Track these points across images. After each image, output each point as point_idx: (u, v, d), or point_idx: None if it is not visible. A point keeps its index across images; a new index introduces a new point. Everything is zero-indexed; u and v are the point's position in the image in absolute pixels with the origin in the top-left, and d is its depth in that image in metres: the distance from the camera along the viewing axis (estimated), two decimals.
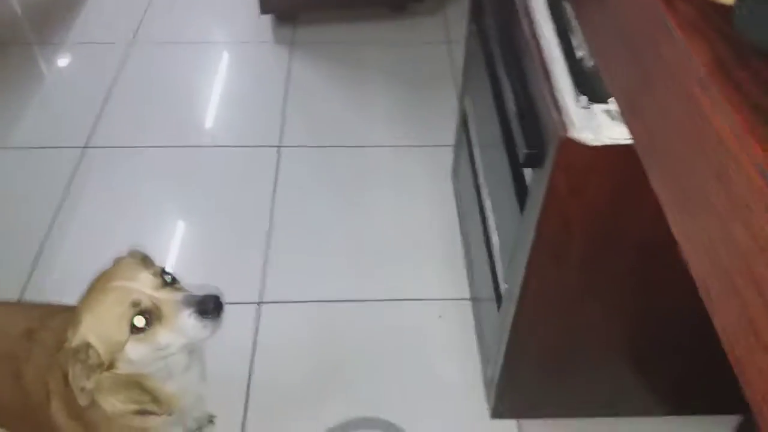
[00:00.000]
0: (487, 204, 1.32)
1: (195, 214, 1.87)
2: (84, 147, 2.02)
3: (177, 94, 2.24)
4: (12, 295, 1.60)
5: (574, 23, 0.95)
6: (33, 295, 1.61)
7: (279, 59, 2.34)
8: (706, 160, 0.48)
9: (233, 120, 2.15)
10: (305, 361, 1.51)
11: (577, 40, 0.93)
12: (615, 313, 1.10)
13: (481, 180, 1.39)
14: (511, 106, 1.02)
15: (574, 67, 0.89)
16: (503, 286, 1.17)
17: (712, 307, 0.42)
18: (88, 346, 0.91)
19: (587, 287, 1.04)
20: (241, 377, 1.48)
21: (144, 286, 0.93)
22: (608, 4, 0.74)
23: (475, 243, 1.48)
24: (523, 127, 0.95)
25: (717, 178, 0.46)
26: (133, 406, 1.03)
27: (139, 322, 0.90)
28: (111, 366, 0.94)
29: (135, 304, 0.91)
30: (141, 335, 0.91)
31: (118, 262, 1.00)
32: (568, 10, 0.98)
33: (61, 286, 1.62)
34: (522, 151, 0.92)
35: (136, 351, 0.93)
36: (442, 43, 2.43)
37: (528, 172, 1.00)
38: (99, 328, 0.92)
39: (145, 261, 1.00)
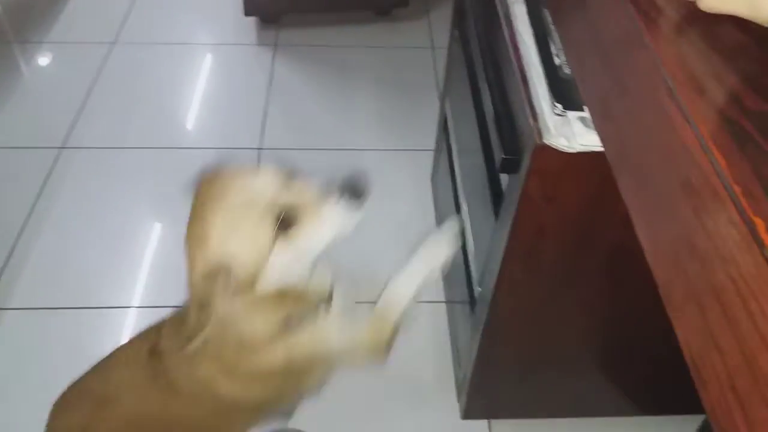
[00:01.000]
0: (464, 208, 1.33)
1: (173, 218, 1.85)
2: (61, 147, 1.99)
3: (158, 95, 2.22)
4: None
5: (554, 30, 0.96)
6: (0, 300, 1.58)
7: (262, 61, 2.33)
8: (673, 168, 0.48)
9: (214, 122, 2.14)
10: None
11: (556, 47, 0.94)
12: (586, 316, 1.11)
13: (459, 184, 1.40)
14: (489, 111, 1.03)
15: (552, 74, 0.90)
16: (477, 290, 1.18)
17: (672, 313, 0.42)
18: (223, 266, 0.74)
19: (559, 291, 1.05)
20: None
21: (271, 182, 0.78)
22: (585, 13, 0.75)
23: None
24: (500, 133, 0.95)
25: (682, 187, 0.46)
26: (277, 320, 0.85)
27: (282, 222, 0.74)
28: (251, 285, 0.77)
29: (272, 201, 0.75)
30: (286, 238, 0.76)
31: (212, 174, 0.82)
32: (548, 17, 0.99)
33: (31, 290, 1.59)
34: (499, 156, 0.93)
35: (281, 258, 0.77)
36: (426, 48, 2.44)
37: (504, 178, 1.00)
38: (233, 240, 0.75)
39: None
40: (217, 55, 2.41)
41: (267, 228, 0.74)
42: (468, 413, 1.37)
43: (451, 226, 1.09)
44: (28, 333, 1.52)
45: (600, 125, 0.66)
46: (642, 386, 1.30)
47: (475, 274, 1.21)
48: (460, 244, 0.96)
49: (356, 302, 1.06)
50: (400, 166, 1.98)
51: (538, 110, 0.85)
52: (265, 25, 2.47)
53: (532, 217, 0.92)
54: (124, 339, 1.05)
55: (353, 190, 0.79)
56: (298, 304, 0.87)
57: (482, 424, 1.39)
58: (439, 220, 1.73)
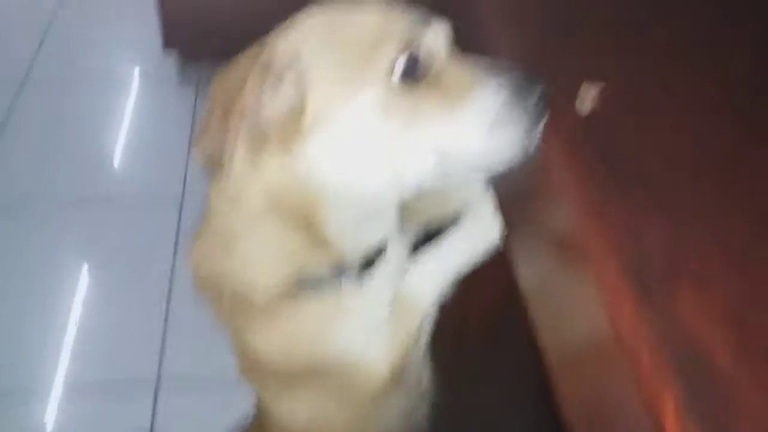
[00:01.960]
0: None
1: (93, 269, 1.74)
2: None
3: (74, 140, 2.09)
4: None
5: None
6: None
7: (184, 98, 2.23)
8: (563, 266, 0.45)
9: (134, 166, 2.03)
10: None
11: None
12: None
13: None
14: None
15: None
16: None
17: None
18: (293, 59, 0.52)
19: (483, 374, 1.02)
20: None
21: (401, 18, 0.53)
22: None
23: None
24: None
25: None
26: (289, 268, 0.60)
27: (409, 69, 0.50)
28: (302, 131, 0.53)
29: (407, 37, 0.51)
30: (398, 92, 0.51)
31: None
32: None
33: None
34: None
35: (372, 121, 0.51)
36: None
37: None
38: (330, 45, 0.52)
39: None
40: (136, 91, 2.29)
41: (380, 59, 0.50)
42: None
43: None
44: None
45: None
46: None
47: None
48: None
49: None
50: None
51: None
52: (186, 60, 2.37)
53: (456, 306, 0.88)
54: None
55: (528, 92, 0.50)
56: (327, 252, 0.59)
57: None
58: None
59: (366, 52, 0.51)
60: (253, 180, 0.56)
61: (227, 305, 0.66)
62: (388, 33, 0.51)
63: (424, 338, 0.73)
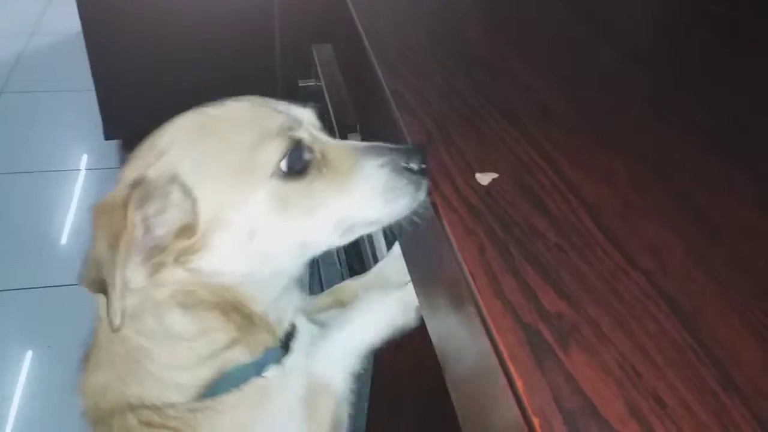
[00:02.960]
0: None
1: (37, 355, 1.67)
2: None
3: (20, 229, 2.05)
4: None
5: None
6: None
7: None
8: (483, 392, 0.47)
9: (79, 252, 1.99)
10: None
11: None
12: None
13: None
14: (342, 255, 1.01)
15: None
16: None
17: None
18: (172, 180, 0.51)
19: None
20: None
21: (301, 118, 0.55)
22: None
23: None
24: (350, 264, 0.93)
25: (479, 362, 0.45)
26: (207, 350, 0.57)
27: (293, 161, 0.51)
28: (199, 241, 0.52)
29: (288, 129, 0.52)
30: (288, 187, 0.52)
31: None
32: None
33: None
34: None
35: (267, 217, 0.52)
36: None
37: None
38: (205, 148, 0.52)
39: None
40: (80, 182, 2.28)
41: (266, 156, 0.50)
42: None
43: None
44: None
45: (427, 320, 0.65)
46: None
47: None
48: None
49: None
50: None
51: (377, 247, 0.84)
52: (128, 147, 2.38)
53: (389, 365, 0.89)
54: None
55: (408, 163, 0.54)
56: (245, 337, 0.59)
57: None
58: None
59: (248, 157, 0.52)
60: (159, 292, 0.55)
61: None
62: (265, 133, 0.53)
63: (345, 417, 0.72)
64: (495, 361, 0.43)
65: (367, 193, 0.55)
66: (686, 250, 0.52)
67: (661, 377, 0.42)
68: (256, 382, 0.62)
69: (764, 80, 0.78)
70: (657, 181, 0.59)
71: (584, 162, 0.60)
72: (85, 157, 2.38)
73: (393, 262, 0.77)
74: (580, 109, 0.67)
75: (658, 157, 0.62)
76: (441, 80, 0.71)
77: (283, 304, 0.64)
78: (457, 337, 0.51)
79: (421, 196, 0.55)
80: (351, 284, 0.79)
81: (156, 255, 0.53)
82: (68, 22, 2.60)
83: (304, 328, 0.69)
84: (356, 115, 0.98)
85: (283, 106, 0.58)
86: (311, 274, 1.32)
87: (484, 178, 0.57)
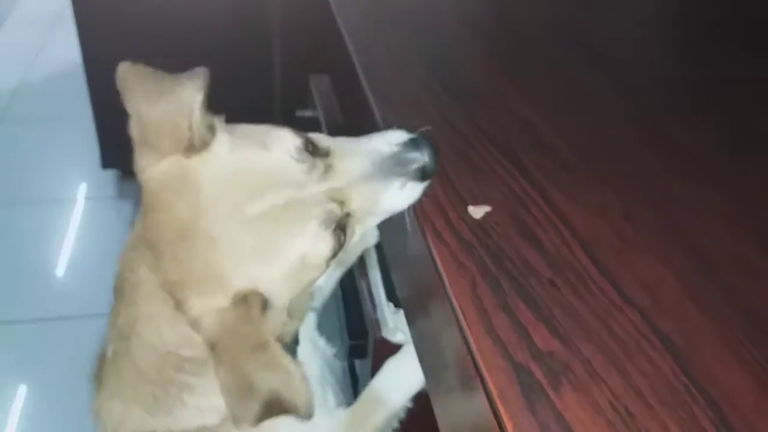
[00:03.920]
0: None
1: (31, 389, 1.65)
2: None
3: (16, 260, 2.03)
4: None
5: None
6: None
7: (123, 215, 2.22)
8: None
9: (75, 282, 1.98)
10: None
11: None
12: None
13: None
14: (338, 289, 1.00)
15: (385, 270, 0.88)
16: None
17: None
18: (253, 295, 0.54)
19: None
20: None
21: (300, 175, 0.55)
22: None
23: None
24: (347, 317, 0.92)
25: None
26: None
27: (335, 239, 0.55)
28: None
29: (327, 219, 0.55)
30: (338, 254, 0.57)
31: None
32: None
33: None
34: (346, 342, 0.89)
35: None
36: None
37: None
38: (274, 271, 0.55)
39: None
40: (76, 211, 2.27)
41: (319, 255, 0.54)
42: None
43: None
44: None
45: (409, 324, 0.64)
46: None
47: None
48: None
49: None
50: None
51: (377, 300, 0.83)
52: (125, 177, 2.38)
53: None
54: None
55: (421, 169, 0.56)
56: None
57: None
58: None
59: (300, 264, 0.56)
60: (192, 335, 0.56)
61: None
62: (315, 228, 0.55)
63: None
64: (485, 401, 0.42)
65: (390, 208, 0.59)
66: (681, 286, 0.52)
67: (654, 417, 0.42)
68: None
69: (760, 114, 0.78)
70: (652, 215, 0.59)
71: (578, 196, 0.60)
72: (82, 186, 2.37)
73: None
74: (574, 142, 0.67)
75: (653, 191, 0.62)
76: (436, 113, 0.71)
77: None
78: (448, 375, 0.50)
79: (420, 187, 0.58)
80: None
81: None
82: (68, 52, 2.63)
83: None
84: None
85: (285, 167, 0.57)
86: None
87: (477, 212, 0.57)
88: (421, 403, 0.74)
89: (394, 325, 0.79)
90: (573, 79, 0.82)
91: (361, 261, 0.91)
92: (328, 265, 0.57)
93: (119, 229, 2.16)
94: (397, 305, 0.81)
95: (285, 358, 0.53)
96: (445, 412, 0.51)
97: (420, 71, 0.79)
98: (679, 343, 0.47)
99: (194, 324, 0.54)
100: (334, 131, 1.25)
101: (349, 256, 0.78)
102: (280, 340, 0.56)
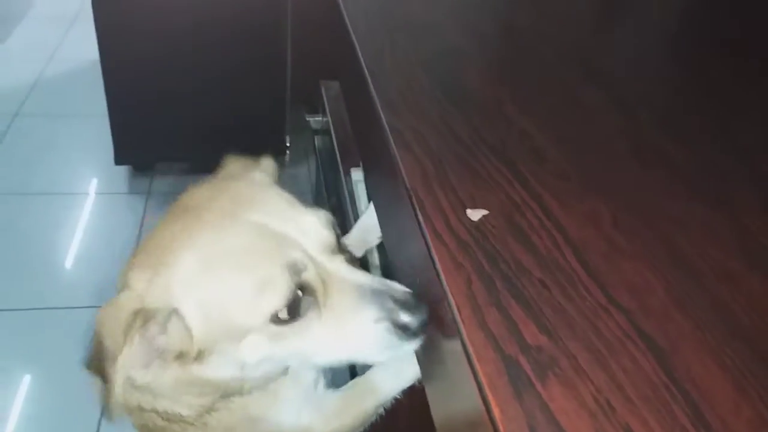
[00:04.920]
0: None
1: (44, 383, 1.68)
2: None
3: (26, 250, 2.08)
4: None
5: None
6: None
7: (133, 210, 2.27)
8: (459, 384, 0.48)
9: (81, 277, 2.01)
10: None
11: None
12: None
13: None
14: None
15: (386, 263, 0.91)
16: None
17: None
18: (171, 313, 0.54)
19: None
20: None
21: (306, 237, 0.56)
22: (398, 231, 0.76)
23: None
24: None
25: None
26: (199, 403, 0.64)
27: (288, 309, 0.53)
28: (195, 357, 0.56)
29: (293, 268, 0.53)
30: (283, 328, 0.54)
31: (235, 173, 0.60)
32: None
33: None
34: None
35: (259, 350, 0.55)
36: (306, 194, 2.50)
37: None
38: (205, 291, 0.54)
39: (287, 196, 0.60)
40: (88, 205, 2.32)
41: (261, 305, 0.52)
42: None
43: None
44: None
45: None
46: None
47: None
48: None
49: None
50: None
51: None
52: (137, 173, 2.43)
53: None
54: None
55: (406, 325, 0.54)
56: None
57: None
58: None
59: (248, 306, 0.54)
60: (163, 378, 0.59)
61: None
62: (267, 280, 0.53)
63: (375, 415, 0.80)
64: (475, 389, 0.45)
65: (360, 345, 0.57)
66: (666, 292, 0.54)
67: (634, 412, 0.44)
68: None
69: (750, 129, 0.81)
70: (640, 224, 0.61)
71: (572, 203, 0.63)
72: (94, 181, 2.42)
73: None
74: (569, 153, 0.70)
75: (643, 202, 0.65)
76: (439, 120, 0.74)
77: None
78: (442, 366, 0.53)
79: (412, 347, 0.57)
80: None
81: (157, 359, 0.56)
82: (86, 49, 2.68)
83: None
84: (359, 151, 1.01)
85: (291, 214, 0.58)
86: None
87: (475, 214, 0.60)
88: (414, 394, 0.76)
89: None
90: (570, 92, 0.85)
91: (364, 262, 0.94)
92: (265, 330, 0.54)
93: (129, 223, 2.20)
94: None
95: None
96: (437, 399, 0.54)
97: (425, 81, 0.82)
98: (662, 345, 0.50)
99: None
100: (344, 137, 1.29)
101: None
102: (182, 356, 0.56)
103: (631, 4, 1.20)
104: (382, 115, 0.73)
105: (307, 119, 1.50)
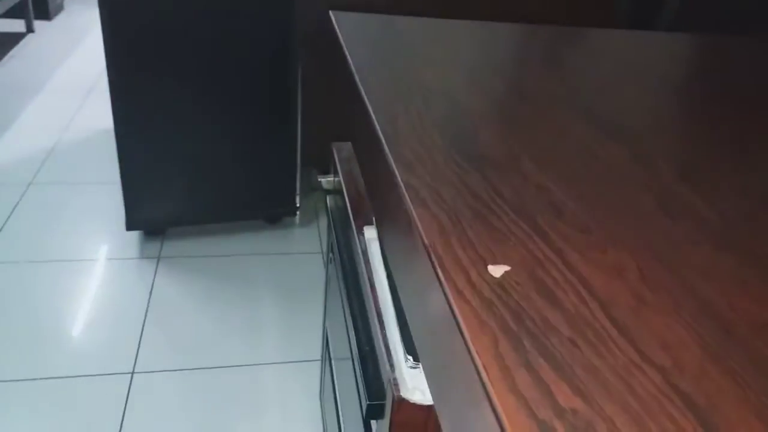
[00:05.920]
0: None
1: None
2: None
3: (31, 319, 2.06)
4: None
5: None
6: None
7: (143, 275, 2.26)
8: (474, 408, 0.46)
9: (90, 344, 1.99)
10: None
11: None
12: None
13: (341, 413, 1.33)
14: (355, 348, 1.01)
15: (404, 322, 0.90)
16: None
17: None
18: None
19: None
20: None
21: None
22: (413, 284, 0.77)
23: None
24: (365, 377, 0.92)
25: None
26: None
27: None
28: None
29: None
30: None
31: None
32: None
33: None
34: (364, 401, 0.89)
35: None
36: (317, 254, 2.49)
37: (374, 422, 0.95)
38: None
39: None
40: (97, 271, 2.32)
41: None
42: None
43: None
44: None
45: (436, 402, 0.64)
46: None
47: None
48: None
49: None
50: (289, 380, 1.88)
51: (395, 359, 0.84)
52: (148, 238, 2.44)
53: None
54: None
55: None
56: None
57: None
58: None
59: None
60: None
61: None
62: None
63: None
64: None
65: None
66: (700, 347, 0.52)
67: None
68: None
69: None
70: (668, 277, 0.60)
71: (595, 257, 0.62)
72: (105, 247, 2.43)
73: None
74: (589, 206, 0.69)
75: (668, 254, 0.64)
76: (454, 177, 0.74)
77: None
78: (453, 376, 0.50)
79: None
80: None
81: None
82: (99, 119, 2.76)
83: None
84: (372, 209, 1.00)
85: None
86: None
87: (497, 270, 0.59)
88: None
89: (413, 384, 0.78)
90: (583, 145, 0.85)
91: (379, 317, 0.92)
92: None
93: (139, 288, 2.19)
94: (416, 359, 0.81)
95: None
96: None
97: (440, 140, 0.83)
98: (700, 403, 0.47)
99: None
100: (356, 196, 1.29)
101: None
102: None
103: (645, 64, 1.22)
104: (397, 174, 0.73)
105: (319, 180, 1.52)
